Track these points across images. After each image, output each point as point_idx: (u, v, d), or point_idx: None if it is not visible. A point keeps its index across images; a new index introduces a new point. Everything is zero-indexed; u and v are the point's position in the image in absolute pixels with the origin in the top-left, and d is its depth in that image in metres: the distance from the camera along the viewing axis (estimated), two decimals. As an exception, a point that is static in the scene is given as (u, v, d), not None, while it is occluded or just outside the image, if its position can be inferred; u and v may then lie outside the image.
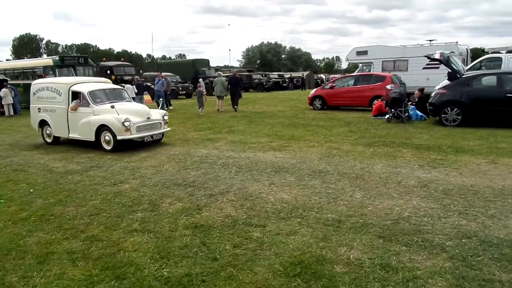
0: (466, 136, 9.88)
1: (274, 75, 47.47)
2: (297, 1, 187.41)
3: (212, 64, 42.64)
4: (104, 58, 34.90)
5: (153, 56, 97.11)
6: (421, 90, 14.46)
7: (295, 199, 5.48)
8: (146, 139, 9.65)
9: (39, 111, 10.65)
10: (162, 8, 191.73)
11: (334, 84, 18.07)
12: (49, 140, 10.69)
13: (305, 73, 43.75)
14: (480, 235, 4.08)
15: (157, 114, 10.16)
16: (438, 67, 16.08)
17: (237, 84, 18.84)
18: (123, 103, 10.14)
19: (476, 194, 5.38)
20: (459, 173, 6.47)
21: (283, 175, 6.76)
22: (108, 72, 27.53)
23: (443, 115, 11.67)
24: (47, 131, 10.66)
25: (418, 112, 13.29)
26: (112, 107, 9.23)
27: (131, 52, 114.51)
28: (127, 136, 9.24)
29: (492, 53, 15.22)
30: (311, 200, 5.40)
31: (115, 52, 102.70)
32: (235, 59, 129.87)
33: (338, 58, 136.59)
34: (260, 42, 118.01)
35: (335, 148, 8.92)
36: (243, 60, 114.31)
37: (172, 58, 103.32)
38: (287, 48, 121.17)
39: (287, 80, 44.64)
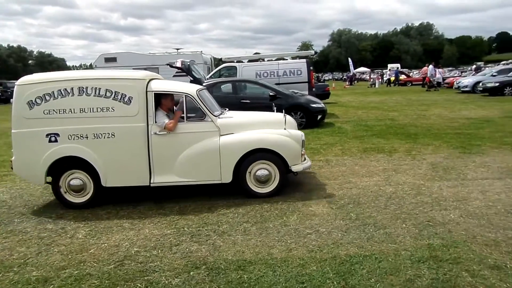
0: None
1: (12, 83, 40.37)
2: (42, 2, 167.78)
3: None
4: None
5: None
6: None
7: (-10, 256, 4.00)
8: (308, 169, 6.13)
9: (54, 141, 5.12)
10: None
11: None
12: (80, 200, 5.34)
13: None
14: (209, 261, 3.71)
15: None
16: (187, 75, 16.61)
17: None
18: (235, 111, 6.34)
19: (210, 208, 5.16)
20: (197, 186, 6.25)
21: (-16, 220, 5.05)
22: None
23: (190, 123, 11.81)
24: (74, 181, 5.27)
25: (168, 120, 13.14)
26: (285, 114, 5.64)
27: None
28: (302, 164, 5.59)
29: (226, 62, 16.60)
30: (13, 255, 4.03)
31: None
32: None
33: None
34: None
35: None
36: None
37: None
38: (34, 52, 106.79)
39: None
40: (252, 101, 11.52)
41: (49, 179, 5.33)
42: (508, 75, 22.23)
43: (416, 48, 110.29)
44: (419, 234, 4.07)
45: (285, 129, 5.62)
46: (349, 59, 55.05)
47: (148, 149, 5.24)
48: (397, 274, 3.31)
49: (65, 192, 5.31)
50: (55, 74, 5.50)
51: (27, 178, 5.60)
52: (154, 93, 5.26)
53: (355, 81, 50.45)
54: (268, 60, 17.82)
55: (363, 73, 62.70)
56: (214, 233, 4.36)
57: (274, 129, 5.63)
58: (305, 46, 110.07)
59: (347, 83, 47.07)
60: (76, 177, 5.29)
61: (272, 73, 14.42)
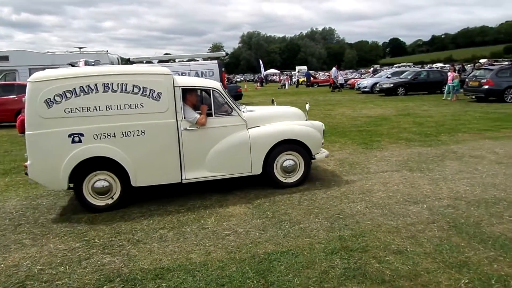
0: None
1: None
2: None
3: None
4: None
5: None
6: None
7: None
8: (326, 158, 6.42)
9: (77, 141, 4.75)
10: None
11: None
12: (105, 202, 5.03)
13: None
14: (124, 272, 3.51)
15: None
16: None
17: None
18: (252, 106, 6.56)
19: (123, 216, 4.89)
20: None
21: None
22: None
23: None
24: (99, 183, 4.98)
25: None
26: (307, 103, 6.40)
27: None
28: (323, 153, 6.04)
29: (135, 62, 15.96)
30: None
31: None
32: None
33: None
34: None
35: (-46, 184, 6.63)
36: None
37: None
38: None
39: None
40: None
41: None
42: (400, 77, 24.65)
43: (320, 52, 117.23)
44: (331, 227, 4.29)
45: (306, 120, 6.04)
46: (260, 61, 56.48)
47: (179, 145, 5.13)
48: (313, 267, 3.45)
49: (89, 196, 4.99)
50: (74, 69, 5.11)
51: (46, 183, 5.00)
52: (182, 89, 5.13)
53: (265, 82, 51.89)
54: (179, 61, 17.47)
55: (273, 74, 64.80)
56: (128, 242, 4.14)
57: (294, 120, 5.93)
58: (216, 47, 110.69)
59: (258, 84, 48.20)
60: (101, 179, 5.00)
61: (183, 74, 14.12)
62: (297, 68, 63.91)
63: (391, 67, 47.30)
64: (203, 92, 5.68)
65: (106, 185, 5.01)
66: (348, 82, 32.72)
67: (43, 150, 4.77)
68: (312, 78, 43.66)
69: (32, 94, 4.69)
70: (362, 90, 26.64)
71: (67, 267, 3.65)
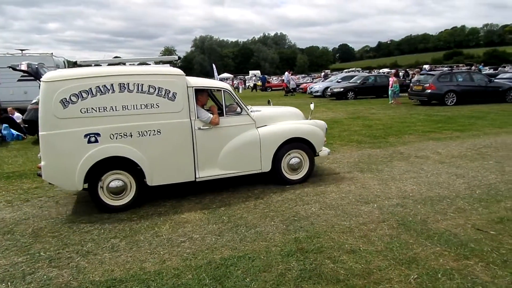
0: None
1: None
2: None
3: None
4: None
5: None
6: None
7: None
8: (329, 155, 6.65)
9: (94, 141, 4.71)
10: None
11: None
12: (120, 202, 5.01)
13: None
14: (72, 286, 3.32)
15: None
16: (35, 80, 14.81)
17: None
18: (256, 106, 6.39)
19: (71, 226, 4.65)
20: (51, 203, 5.60)
21: None
22: None
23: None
24: (114, 183, 4.96)
25: (13, 131, 11.56)
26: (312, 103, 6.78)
27: None
28: (325, 151, 6.28)
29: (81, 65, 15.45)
30: None
31: None
32: None
33: None
34: None
35: None
36: None
37: None
38: None
39: None
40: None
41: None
42: (350, 81, 25.51)
43: (273, 56, 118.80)
44: (287, 229, 4.33)
45: (310, 118, 6.35)
46: (213, 65, 56.18)
47: (193, 144, 5.23)
48: (270, 270, 3.45)
49: (104, 196, 4.96)
50: (89, 69, 5.08)
51: (61, 184, 4.95)
52: (194, 89, 5.23)
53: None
54: (130, 65, 17.00)
55: (226, 78, 64.75)
56: (77, 254, 3.94)
57: (296, 120, 6.23)
58: (168, 51, 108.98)
59: (212, 88, 47.79)
60: (116, 179, 4.99)
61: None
62: (252, 72, 64.30)
63: (341, 72, 48.77)
64: (214, 92, 5.95)
65: (121, 185, 5.00)
66: (301, 87, 33.39)
67: (58, 151, 4.71)
68: (266, 82, 44.11)
69: (46, 94, 4.62)
70: (314, 94, 27.26)
71: (9, 283, 3.42)
